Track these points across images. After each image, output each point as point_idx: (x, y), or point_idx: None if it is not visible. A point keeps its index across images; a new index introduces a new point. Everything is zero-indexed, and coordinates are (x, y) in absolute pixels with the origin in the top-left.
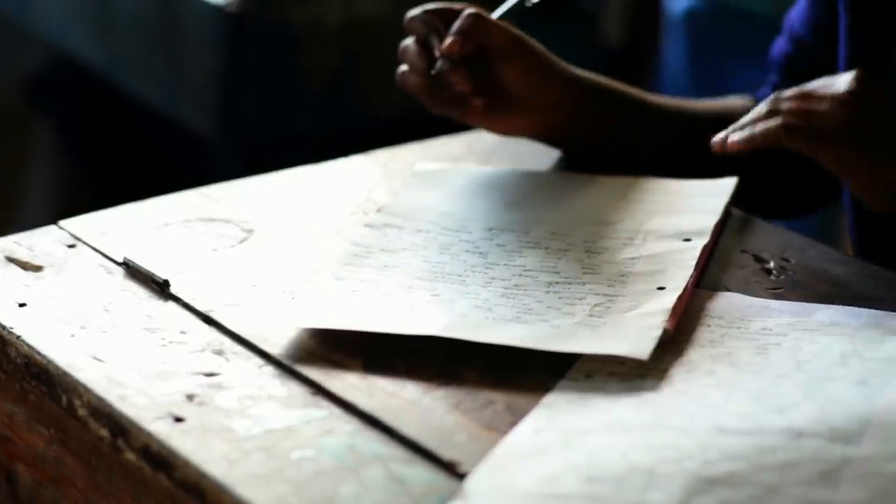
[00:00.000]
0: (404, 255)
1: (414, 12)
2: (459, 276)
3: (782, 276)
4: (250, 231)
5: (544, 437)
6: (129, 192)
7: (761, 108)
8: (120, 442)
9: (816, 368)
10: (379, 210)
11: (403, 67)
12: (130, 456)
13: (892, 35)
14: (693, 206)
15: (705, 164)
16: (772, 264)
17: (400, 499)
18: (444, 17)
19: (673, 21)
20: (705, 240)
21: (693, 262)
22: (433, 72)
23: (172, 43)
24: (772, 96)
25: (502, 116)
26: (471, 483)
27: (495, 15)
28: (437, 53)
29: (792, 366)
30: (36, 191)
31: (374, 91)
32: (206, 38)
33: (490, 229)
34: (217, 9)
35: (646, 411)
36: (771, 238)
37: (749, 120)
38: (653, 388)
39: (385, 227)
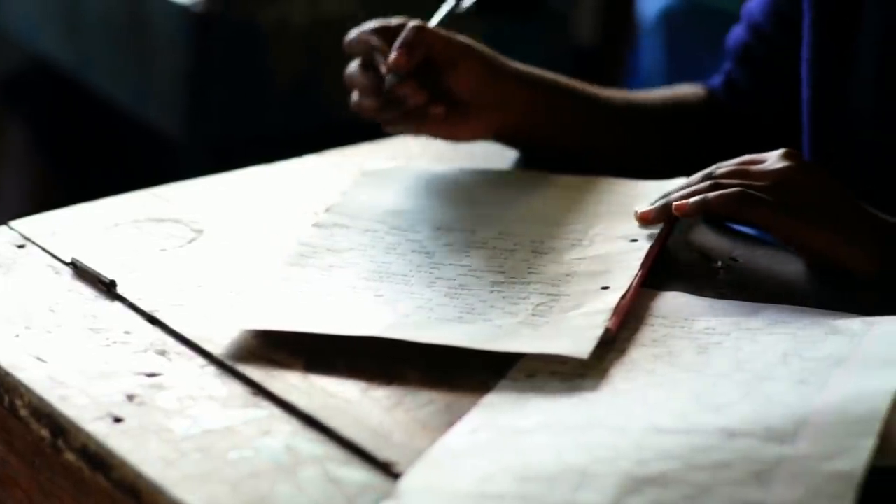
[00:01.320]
0: (350, 255)
1: (352, 34)
2: (404, 276)
3: (729, 277)
4: (200, 231)
5: (481, 437)
6: (101, 192)
7: (694, 179)
8: (60, 442)
9: (756, 368)
10: (327, 210)
11: (354, 95)
12: (70, 456)
13: (855, 31)
14: (639, 206)
15: (658, 158)
16: (719, 264)
17: (335, 499)
18: (384, 35)
19: (649, 21)
20: (652, 241)
21: (638, 263)
22: (384, 89)
23: (139, 43)
24: (704, 172)
25: (457, 124)
26: (404, 483)
27: (432, 23)
28: (383, 70)
29: (732, 365)
30: (8, 191)
31: (340, 91)
32: (173, 38)
33: (438, 229)
34: (183, 9)
35: (583, 411)
36: (719, 238)
37: (681, 188)
38: (592, 387)
39: (333, 226)
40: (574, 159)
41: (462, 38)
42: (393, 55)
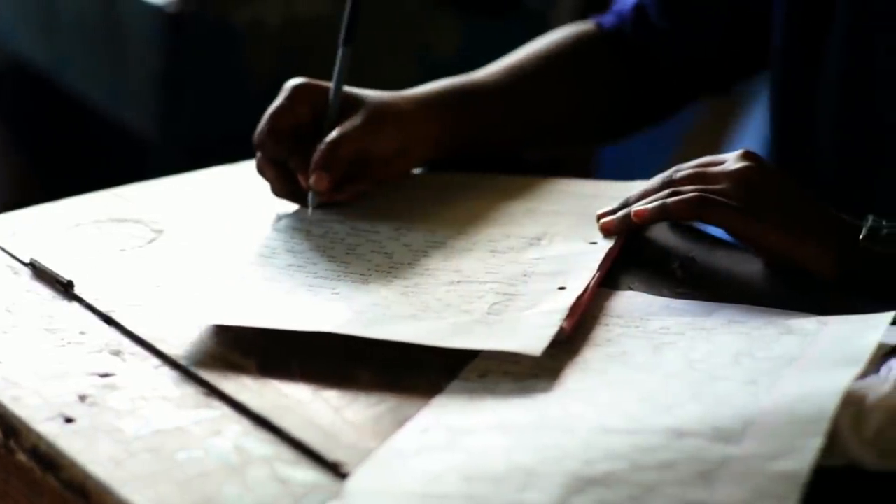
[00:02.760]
0: (310, 255)
1: (261, 136)
2: (362, 275)
3: (686, 276)
4: (160, 231)
5: (430, 437)
6: (77, 193)
7: (653, 184)
8: (12, 443)
9: (708, 368)
10: (288, 211)
11: (273, 187)
12: (22, 457)
13: (825, 32)
14: (597, 207)
15: (580, 108)
16: (677, 264)
17: (282, 499)
18: (291, 109)
19: None
20: (611, 243)
21: (596, 264)
22: (309, 211)
23: (114, 43)
24: (663, 176)
25: (386, 175)
26: (351, 483)
27: (333, 78)
28: (302, 183)
29: (684, 365)
30: None
31: None
32: (147, 38)
33: (398, 229)
34: (157, 9)
35: (534, 411)
36: (678, 238)
37: (641, 194)
38: (545, 387)
39: (293, 227)
40: (512, 150)
41: (362, 113)
42: (313, 178)
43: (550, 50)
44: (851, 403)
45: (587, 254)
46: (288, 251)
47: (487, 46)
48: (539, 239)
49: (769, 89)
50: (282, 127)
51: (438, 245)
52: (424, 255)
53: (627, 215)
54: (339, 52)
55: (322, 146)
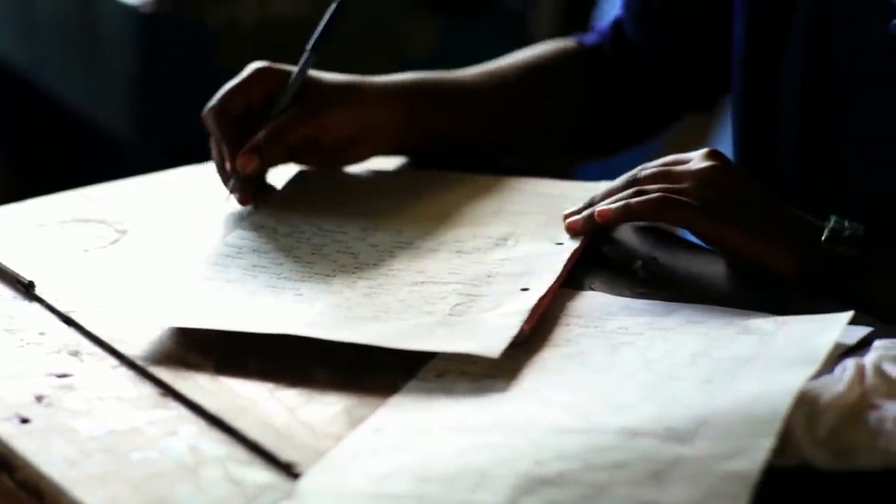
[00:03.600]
0: (275, 255)
1: (208, 110)
2: (326, 276)
3: (648, 276)
4: (123, 232)
5: (383, 438)
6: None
7: (618, 183)
8: None
9: (664, 368)
10: (255, 210)
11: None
12: None
13: (785, 35)
14: (565, 208)
15: (551, 121)
16: (639, 264)
17: (234, 499)
18: (247, 91)
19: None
20: (576, 244)
21: (561, 265)
22: (228, 193)
23: (90, 44)
24: (628, 176)
25: (345, 158)
26: (303, 483)
27: (293, 76)
28: (228, 169)
29: (641, 365)
30: None
31: None
32: (122, 38)
33: (365, 229)
34: (132, 9)
35: (488, 411)
36: (642, 238)
37: (605, 193)
38: (501, 388)
39: (260, 227)
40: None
41: (320, 92)
42: (239, 160)
43: (530, 61)
44: (805, 403)
45: (552, 255)
46: (253, 251)
47: (465, 48)
48: (505, 239)
49: (731, 99)
50: (231, 106)
51: (405, 245)
52: (390, 256)
53: (591, 215)
54: (305, 55)
55: (263, 132)
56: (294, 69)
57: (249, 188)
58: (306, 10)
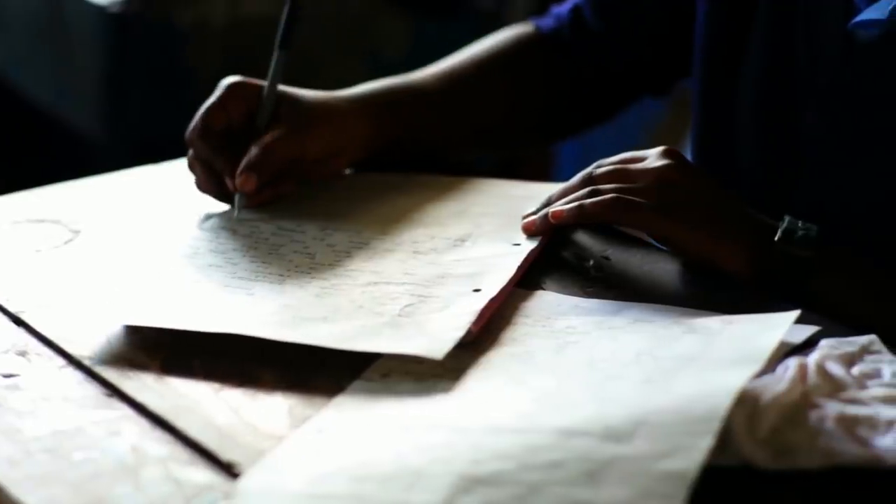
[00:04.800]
0: (232, 255)
1: (192, 133)
2: (280, 276)
3: (600, 275)
4: (77, 232)
5: (324, 437)
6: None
7: (574, 182)
8: None
9: (608, 367)
10: (213, 211)
11: (200, 183)
12: None
13: (748, 28)
14: (527, 209)
15: (515, 110)
16: (591, 263)
17: (173, 499)
18: (224, 107)
19: None
20: (534, 244)
21: (515, 266)
22: (234, 215)
23: (60, 44)
24: (584, 174)
25: (315, 175)
26: (241, 483)
27: (268, 78)
28: (229, 185)
29: (585, 364)
30: None
31: None
32: (91, 38)
33: (325, 229)
34: (100, 9)
35: (430, 411)
36: (596, 237)
37: (561, 193)
38: (445, 388)
39: (220, 227)
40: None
41: (294, 114)
42: (239, 180)
43: (488, 52)
44: (746, 403)
45: (507, 255)
46: (210, 251)
47: (438, 48)
48: (463, 240)
49: (692, 95)
50: (213, 126)
51: (362, 246)
52: (347, 256)
53: (546, 216)
54: (274, 56)
55: (254, 150)
56: (265, 83)
57: (252, 203)
58: (275, 10)
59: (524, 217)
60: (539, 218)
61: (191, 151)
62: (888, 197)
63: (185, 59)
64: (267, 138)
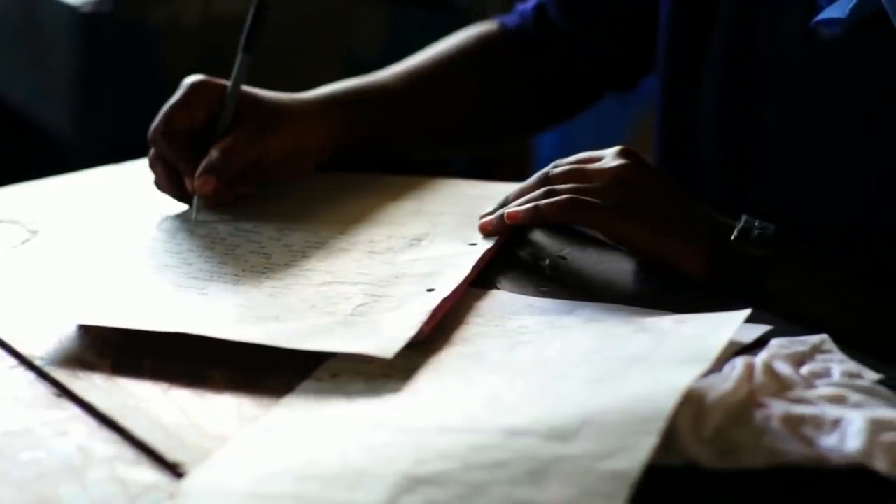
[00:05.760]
0: (187, 255)
1: (155, 133)
2: (235, 275)
3: (556, 274)
4: (35, 232)
5: (271, 438)
6: None
7: (530, 183)
8: None
9: (557, 367)
10: (170, 212)
11: (159, 183)
12: None
13: (711, 22)
14: (484, 208)
15: (483, 107)
16: (547, 262)
17: (117, 499)
18: (187, 104)
19: None
20: (490, 244)
21: (469, 266)
22: (192, 217)
23: (33, 44)
24: (540, 174)
25: (281, 175)
26: (186, 483)
27: (232, 79)
28: (188, 186)
29: (535, 364)
30: None
31: None
32: (63, 38)
33: (281, 229)
34: (72, 9)
35: (378, 411)
36: (553, 236)
37: (518, 193)
38: (394, 388)
39: (177, 228)
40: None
41: (259, 117)
42: (198, 182)
43: (452, 51)
44: (692, 402)
45: (463, 255)
46: (166, 251)
47: (414, 45)
48: (419, 240)
49: (656, 87)
50: (176, 126)
51: (318, 246)
52: (302, 256)
53: (502, 216)
54: (238, 59)
55: (214, 153)
56: (228, 83)
57: (211, 205)
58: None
59: (481, 217)
60: (495, 218)
61: (152, 150)
62: (849, 196)
63: (158, 59)
64: (228, 140)
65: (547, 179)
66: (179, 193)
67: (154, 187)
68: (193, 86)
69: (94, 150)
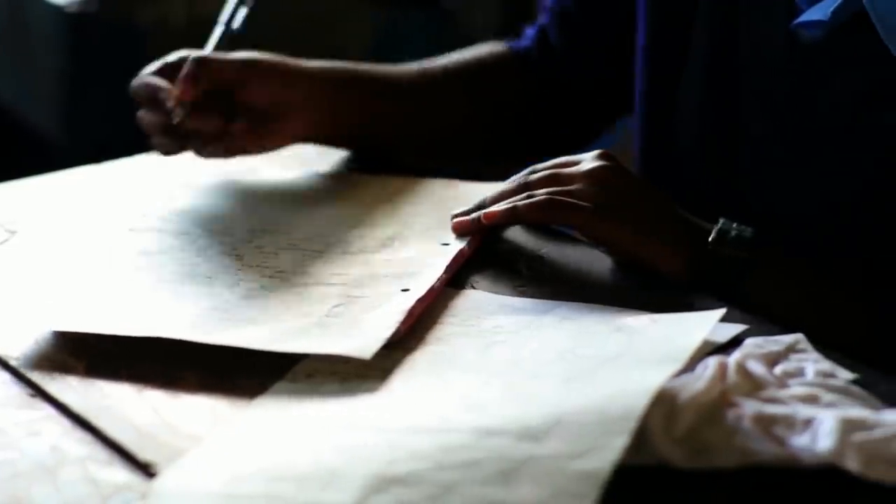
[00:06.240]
0: (160, 258)
1: (135, 80)
2: (209, 277)
3: (532, 274)
4: (13, 232)
5: (244, 438)
6: None
7: (509, 187)
8: None
9: (531, 366)
10: (143, 214)
11: (154, 139)
12: None
13: (690, 22)
14: (457, 209)
15: (473, 122)
16: (524, 262)
17: (89, 499)
18: (166, 74)
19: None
20: (463, 244)
21: (444, 266)
22: (174, 121)
23: (18, 44)
24: (518, 177)
25: (263, 135)
26: (157, 483)
27: (207, 49)
28: (170, 105)
29: (509, 364)
30: None
31: None
32: (50, 38)
33: (252, 231)
34: (58, 9)
35: (352, 411)
36: (531, 236)
37: (496, 196)
38: (368, 388)
39: (147, 230)
40: (400, 151)
41: (244, 53)
42: (177, 90)
43: (459, 62)
44: (664, 402)
45: (436, 255)
46: (140, 253)
47: (399, 46)
48: (393, 240)
49: (637, 89)
50: (166, 68)
51: (291, 247)
52: (275, 258)
53: (478, 217)
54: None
55: (190, 59)
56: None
57: (210, 153)
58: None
59: (453, 217)
60: (472, 218)
61: (135, 84)
62: (831, 196)
63: (144, 59)
64: (204, 52)
65: (525, 185)
66: (164, 126)
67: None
68: (199, 63)
69: (82, 150)
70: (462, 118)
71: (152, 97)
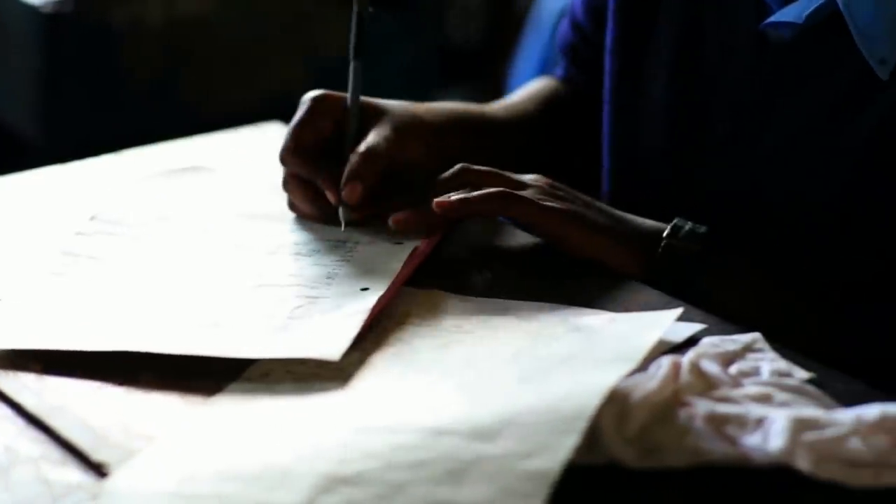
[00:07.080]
0: (111, 263)
1: (285, 151)
2: (163, 283)
3: (493, 274)
4: None
5: (197, 438)
6: None
7: (448, 175)
8: None
9: (486, 366)
10: (92, 217)
11: (295, 203)
12: None
13: (654, 24)
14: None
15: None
16: (485, 262)
17: (41, 499)
18: (318, 143)
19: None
20: (416, 242)
21: (399, 264)
22: (342, 228)
23: None
24: (450, 173)
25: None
26: (109, 483)
27: (350, 96)
28: (331, 199)
29: (464, 363)
30: None
31: (198, 90)
32: (25, 39)
33: (205, 232)
34: (33, 9)
35: (305, 411)
36: (489, 236)
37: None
38: (323, 387)
39: (97, 233)
40: None
41: (386, 112)
42: (345, 191)
43: (539, 100)
44: (616, 401)
45: (391, 254)
46: (90, 258)
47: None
48: (344, 241)
49: (605, 87)
50: (304, 142)
51: (244, 249)
52: (228, 260)
53: (429, 209)
54: (351, 67)
55: (354, 158)
56: (346, 95)
57: (358, 213)
58: (211, 9)
59: (398, 214)
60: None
61: (284, 170)
62: (798, 199)
63: (120, 59)
64: (364, 147)
65: (466, 180)
66: (318, 211)
67: (287, 209)
68: (314, 100)
69: (59, 150)
70: (548, 153)
71: (305, 181)
